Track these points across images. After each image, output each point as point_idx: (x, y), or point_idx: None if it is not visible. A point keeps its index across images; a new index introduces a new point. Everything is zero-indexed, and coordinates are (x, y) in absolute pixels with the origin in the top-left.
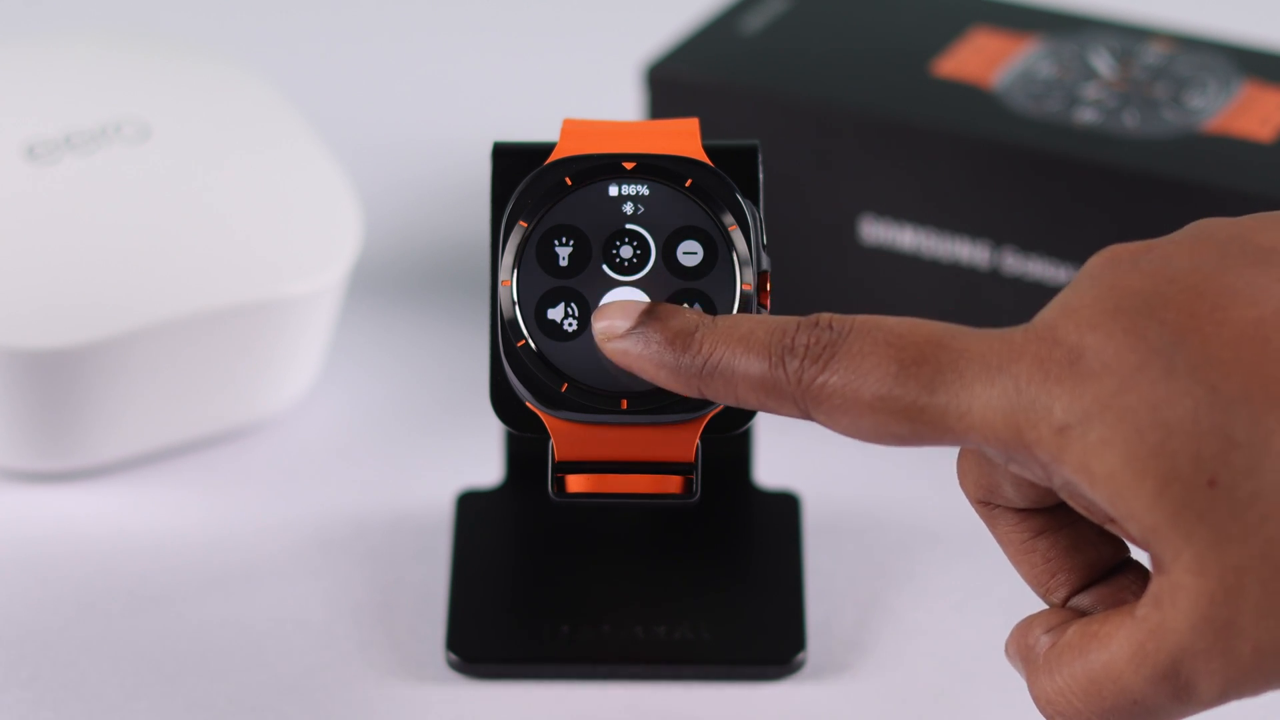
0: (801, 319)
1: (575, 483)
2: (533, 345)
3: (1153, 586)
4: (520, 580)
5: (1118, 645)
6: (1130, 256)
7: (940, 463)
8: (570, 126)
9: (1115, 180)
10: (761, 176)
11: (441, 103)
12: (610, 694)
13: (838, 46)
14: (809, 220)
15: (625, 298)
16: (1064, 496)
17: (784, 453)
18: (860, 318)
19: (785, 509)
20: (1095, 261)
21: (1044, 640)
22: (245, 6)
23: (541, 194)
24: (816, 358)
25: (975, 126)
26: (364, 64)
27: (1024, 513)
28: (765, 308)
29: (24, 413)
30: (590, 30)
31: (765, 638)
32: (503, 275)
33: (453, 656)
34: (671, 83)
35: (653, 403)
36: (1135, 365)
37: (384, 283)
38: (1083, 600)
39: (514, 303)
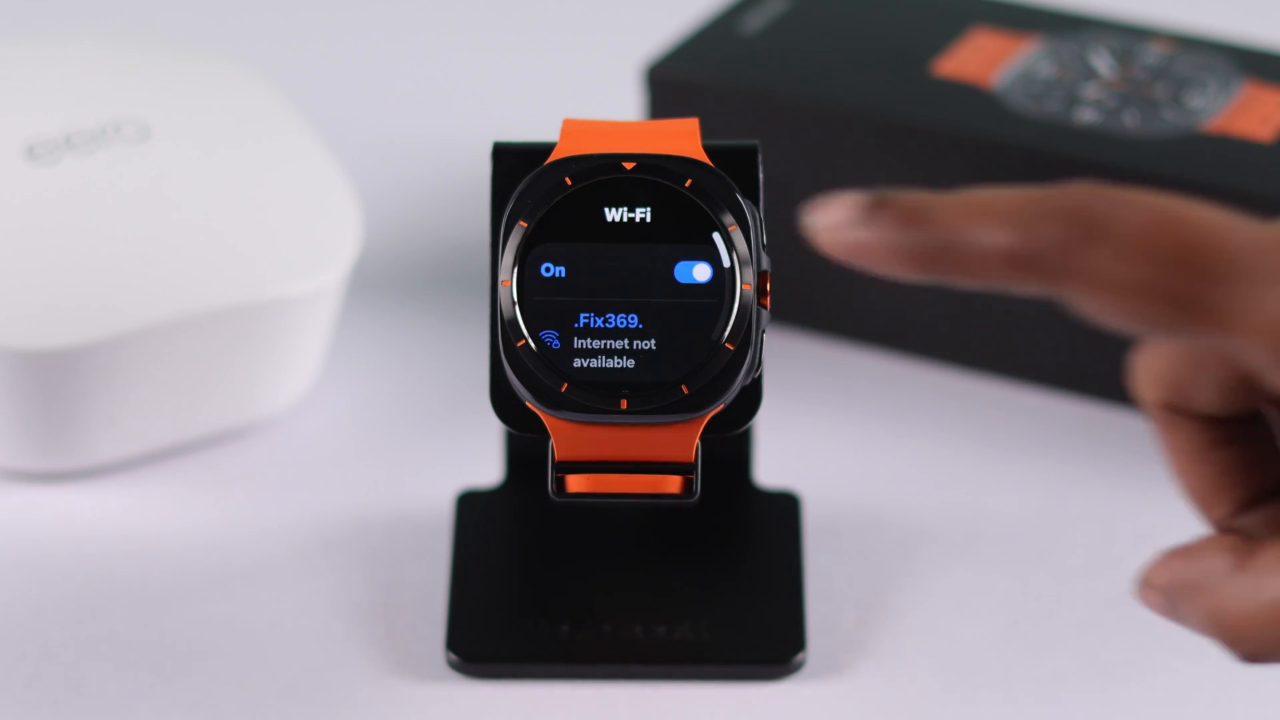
0: (1055, 185)
1: (575, 483)
2: (532, 345)
3: None
4: (520, 580)
5: None
6: None
7: (940, 463)
8: (570, 126)
9: (1115, 180)
10: (761, 176)
11: (441, 103)
12: (610, 694)
13: (838, 46)
14: None
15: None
16: None
17: (784, 453)
18: (1126, 193)
19: (785, 509)
20: None
21: (1222, 564)
22: (245, 6)
23: (541, 194)
24: (1085, 225)
25: (975, 126)
26: (364, 64)
27: (1208, 420)
28: (765, 308)
29: (24, 413)
30: (590, 30)
31: (765, 638)
32: (503, 275)
33: (453, 656)
34: (671, 83)
35: (653, 403)
36: None
37: (384, 283)
38: (1244, 520)
39: (514, 303)
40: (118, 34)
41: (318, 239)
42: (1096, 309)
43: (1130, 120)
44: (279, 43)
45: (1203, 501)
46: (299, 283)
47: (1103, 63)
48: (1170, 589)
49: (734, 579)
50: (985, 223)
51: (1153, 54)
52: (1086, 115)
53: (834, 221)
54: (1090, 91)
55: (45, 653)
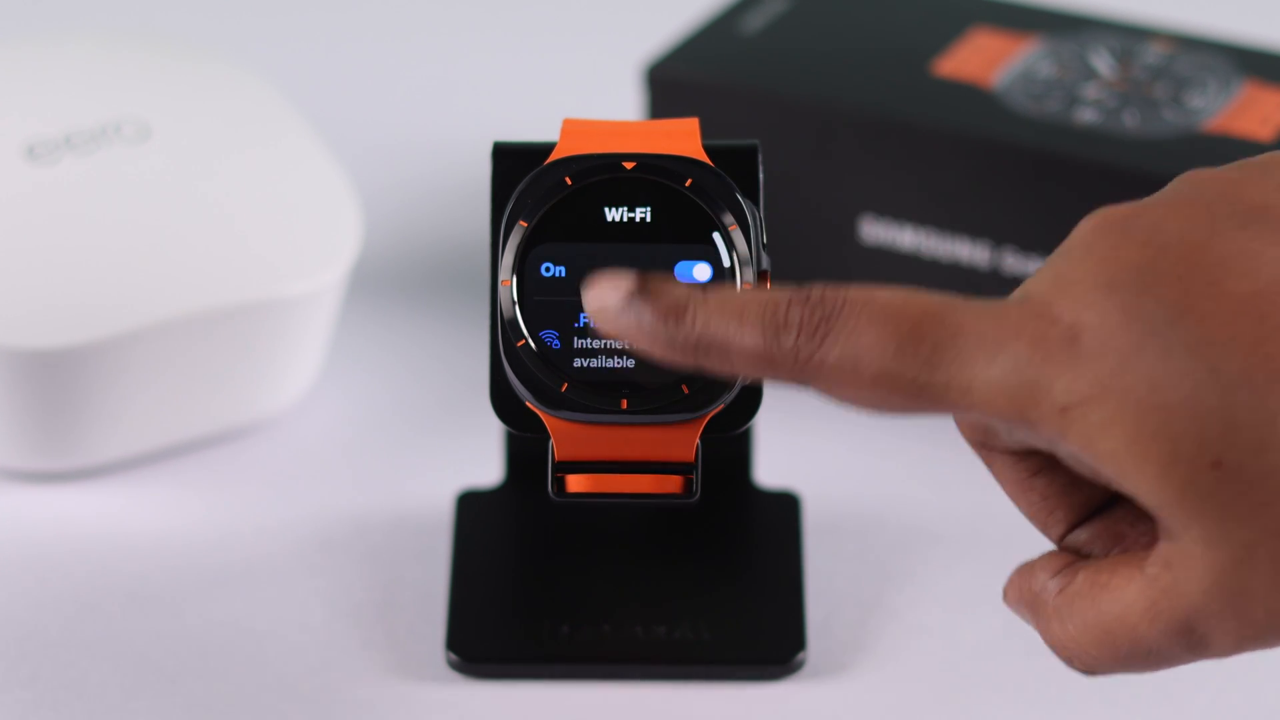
0: (793, 291)
1: (575, 483)
2: (532, 345)
3: (1162, 549)
4: (520, 580)
5: (1131, 598)
6: (1121, 222)
7: (941, 463)
8: (570, 126)
9: (1115, 180)
10: (761, 176)
11: (441, 103)
12: (610, 694)
13: (838, 46)
14: (809, 220)
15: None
16: (1070, 465)
17: (784, 453)
18: (853, 290)
19: (785, 509)
20: (1085, 227)
21: (1051, 585)
22: (245, 6)
23: (541, 194)
24: (813, 333)
25: (975, 126)
26: (364, 64)
27: (1020, 454)
28: None
29: (24, 413)
30: (590, 30)
31: (765, 638)
32: (503, 275)
33: (453, 656)
34: (671, 83)
35: (653, 403)
36: (1133, 345)
37: (384, 283)
38: (1080, 536)
39: (514, 303)
40: (118, 34)
41: (318, 239)
42: (843, 402)
43: (1130, 120)
44: (279, 43)
45: (1039, 524)
46: (299, 283)
47: (1103, 63)
48: (1016, 606)
49: (734, 579)
50: (736, 325)
51: (1153, 54)
52: (1086, 115)
53: (603, 302)
54: (1090, 91)
55: (45, 653)
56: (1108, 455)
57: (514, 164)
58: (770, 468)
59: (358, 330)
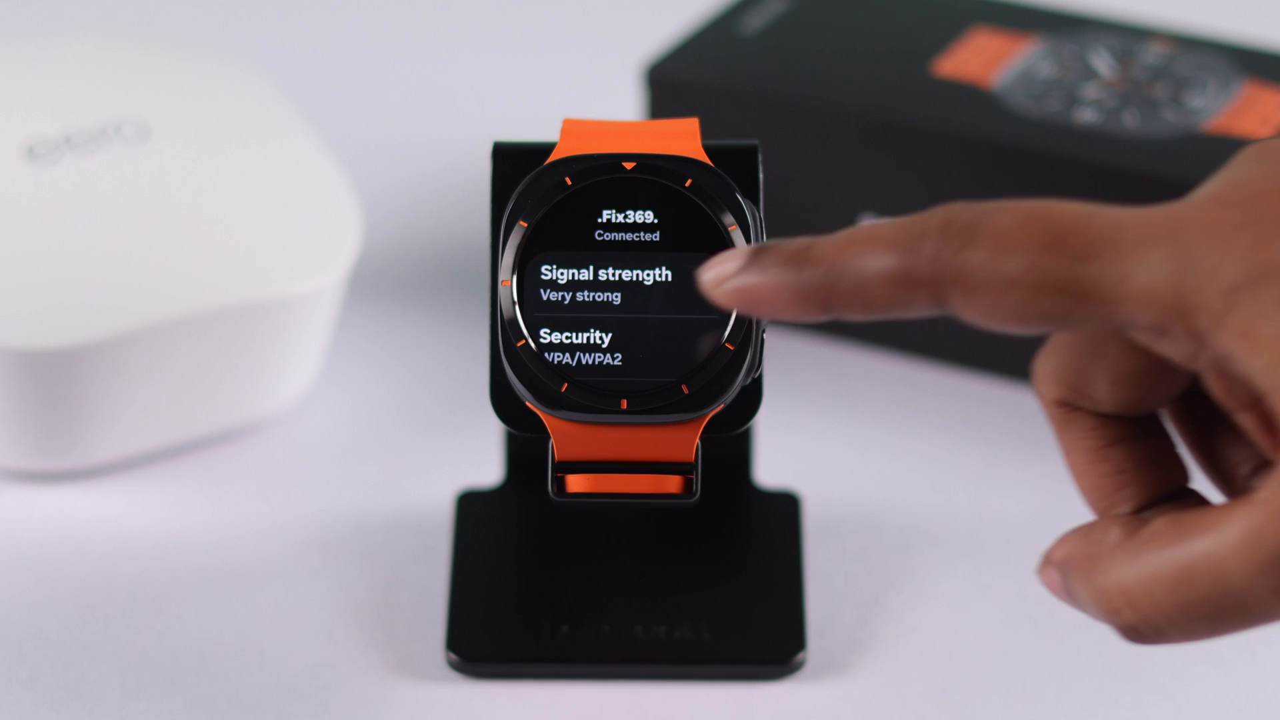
0: (930, 210)
1: (575, 483)
2: (532, 345)
3: None
4: (520, 580)
5: (1227, 531)
6: None
7: (941, 463)
8: (570, 126)
9: (1115, 180)
10: (761, 176)
11: (441, 103)
12: (610, 694)
13: (838, 46)
14: (809, 220)
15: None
16: (1207, 377)
17: (784, 453)
18: (992, 202)
19: (785, 509)
20: (1249, 151)
21: (1116, 532)
22: (245, 6)
23: (541, 194)
24: (956, 236)
25: (975, 126)
26: (364, 64)
27: (1104, 418)
28: None
29: (24, 413)
30: (590, 30)
31: (765, 638)
32: (503, 275)
33: (453, 656)
34: (671, 83)
35: (653, 403)
36: None
37: (384, 283)
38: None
39: (514, 303)
40: (118, 34)
41: (318, 239)
42: (983, 312)
43: (1130, 120)
44: (279, 43)
45: (1101, 502)
46: (299, 283)
47: (1103, 63)
48: (1064, 564)
49: (734, 579)
50: (868, 251)
51: (1153, 54)
52: (1086, 115)
53: (721, 272)
54: (1090, 91)
55: (45, 653)
56: (1272, 339)
57: (514, 164)
58: (770, 468)
59: (358, 330)
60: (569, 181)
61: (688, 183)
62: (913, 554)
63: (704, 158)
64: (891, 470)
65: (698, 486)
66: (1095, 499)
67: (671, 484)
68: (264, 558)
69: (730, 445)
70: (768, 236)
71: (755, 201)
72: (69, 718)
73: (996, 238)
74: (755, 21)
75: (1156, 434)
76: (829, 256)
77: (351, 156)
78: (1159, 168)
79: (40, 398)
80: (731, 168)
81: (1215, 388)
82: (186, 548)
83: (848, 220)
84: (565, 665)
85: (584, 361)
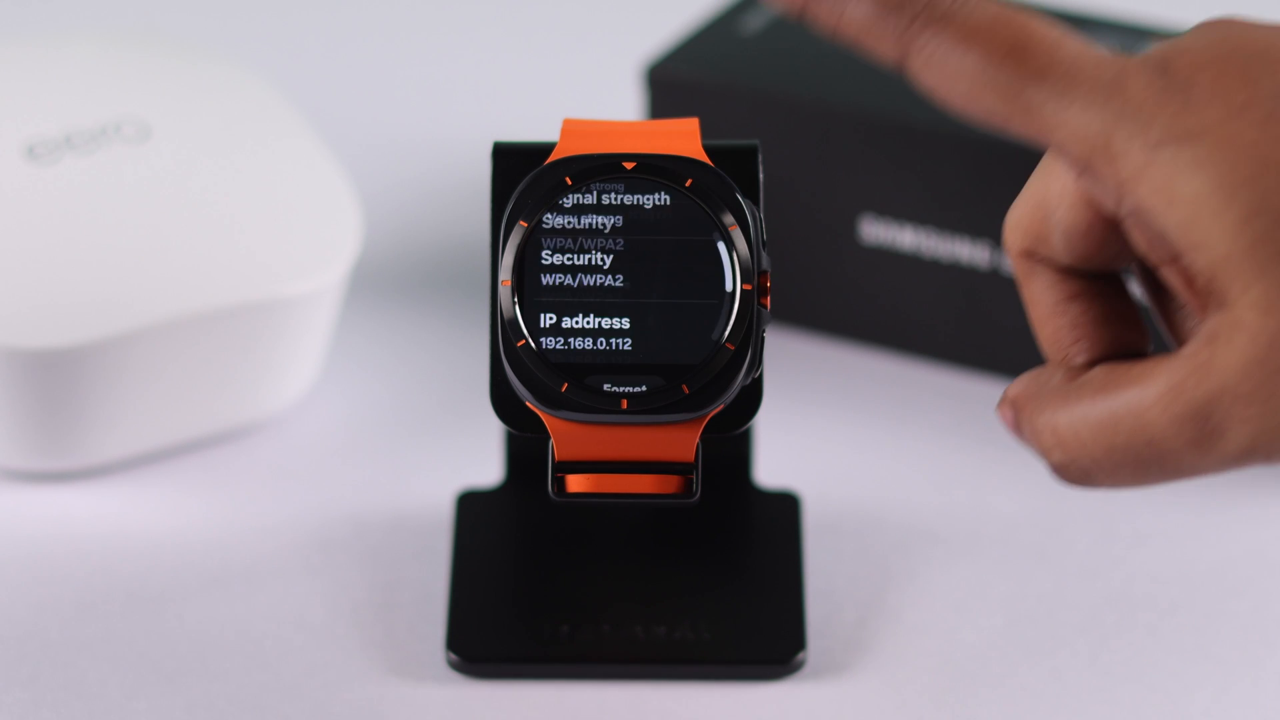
0: None
1: (575, 483)
2: (533, 345)
3: (1208, 324)
4: (520, 580)
5: (1151, 384)
6: (1243, 21)
7: (941, 463)
8: (570, 126)
9: None
10: (761, 176)
11: (441, 103)
12: (610, 694)
13: (838, 47)
14: (809, 220)
15: None
16: (1128, 228)
17: (784, 453)
18: None
19: (785, 509)
20: (1207, 22)
21: (1060, 374)
22: (245, 6)
23: (541, 194)
24: (931, 12)
25: (975, 127)
26: (364, 64)
27: (1064, 272)
28: (765, 308)
29: (24, 413)
30: (590, 30)
31: (765, 638)
32: (503, 275)
33: (453, 656)
34: (671, 83)
35: (653, 403)
36: (1243, 103)
37: (384, 283)
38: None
39: (514, 303)
40: (118, 34)
41: (318, 239)
42: (932, 86)
43: None
44: (279, 43)
45: (1057, 351)
46: (299, 283)
47: None
48: (1016, 401)
49: (734, 579)
50: None
51: None
52: None
53: None
54: None
55: (45, 653)
56: (1186, 198)
57: (514, 164)
58: (770, 468)
59: (358, 330)
60: (569, 181)
61: (688, 183)
62: (913, 554)
63: (704, 158)
64: (891, 470)
65: (698, 486)
66: (1052, 349)
67: (671, 484)
68: (264, 558)
69: (730, 445)
70: (767, 236)
71: (755, 201)
72: (69, 718)
73: (965, 29)
74: (755, 21)
75: (1116, 294)
76: None
77: (351, 156)
78: None
79: (40, 398)
80: (731, 168)
81: (1137, 240)
82: (186, 548)
83: (848, 220)
84: (565, 665)
85: (589, 345)
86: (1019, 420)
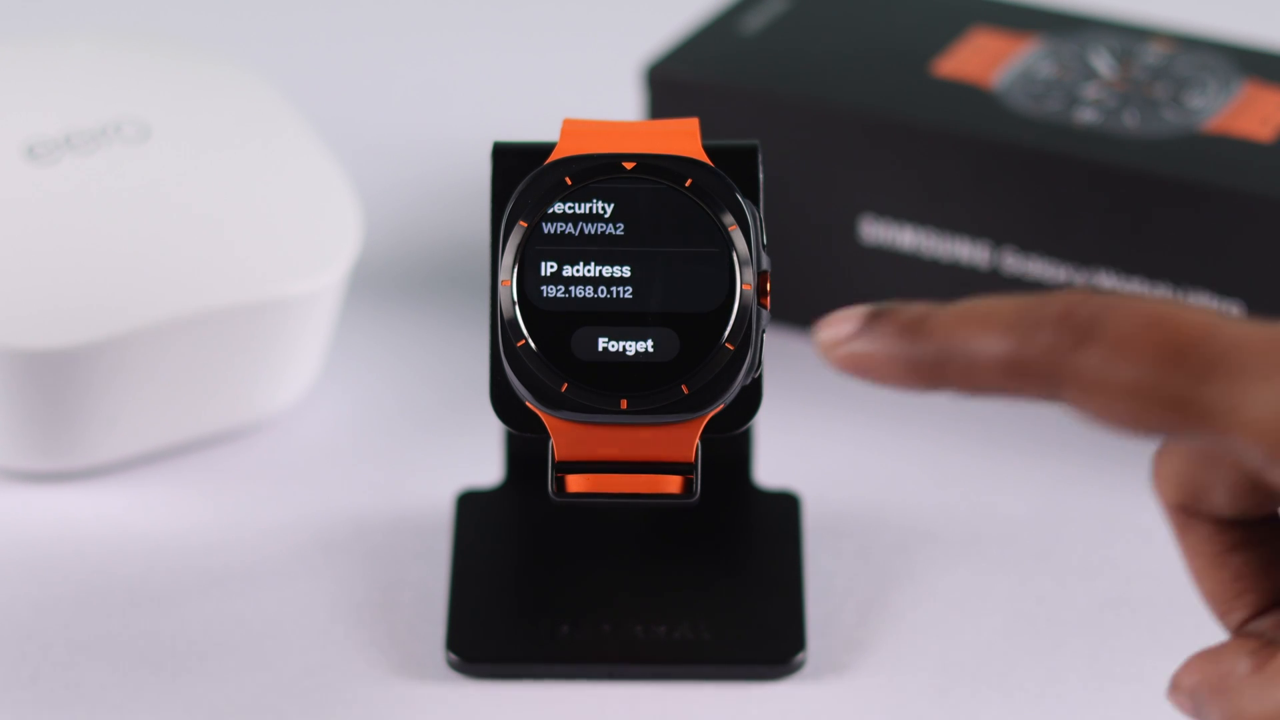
0: (1045, 295)
1: (575, 483)
2: (533, 345)
3: None
4: (520, 580)
5: None
6: None
7: (941, 463)
8: (570, 126)
9: (1115, 180)
10: (761, 176)
11: (441, 103)
12: (610, 694)
13: (838, 46)
14: (809, 220)
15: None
16: None
17: (784, 453)
18: (1115, 295)
19: (785, 509)
20: None
21: (1244, 664)
22: (245, 6)
23: (541, 194)
24: (1074, 331)
25: (975, 126)
26: (364, 64)
27: (1225, 523)
28: (765, 308)
29: (24, 413)
30: (590, 30)
31: (765, 638)
32: (503, 275)
33: (453, 656)
34: (671, 83)
35: (653, 403)
36: None
37: (384, 283)
38: (1263, 623)
39: (514, 303)
40: (118, 34)
41: (318, 239)
42: (1094, 413)
43: (1130, 120)
44: (279, 43)
45: (1220, 606)
46: (299, 283)
47: (1103, 63)
48: (1194, 691)
49: (734, 579)
50: (982, 332)
51: (1153, 54)
52: (1086, 115)
53: (837, 335)
54: (1090, 91)
55: (45, 653)
56: None
57: (514, 164)
58: (770, 468)
59: (358, 330)
60: (569, 181)
61: (688, 183)
62: (913, 554)
63: (704, 158)
64: (891, 470)
65: (698, 486)
66: (1214, 603)
67: (671, 484)
68: (264, 558)
69: (730, 445)
70: (767, 236)
71: (755, 201)
72: (69, 718)
73: (1116, 340)
74: (755, 21)
75: (1276, 537)
76: (943, 331)
77: (351, 156)
78: (1159, 168)
79: (40, 398)
80: (731, 168)
81: None
82: (186, 548)
83: (848, 220)
84: (565, 665)
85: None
86: (1201, 709)
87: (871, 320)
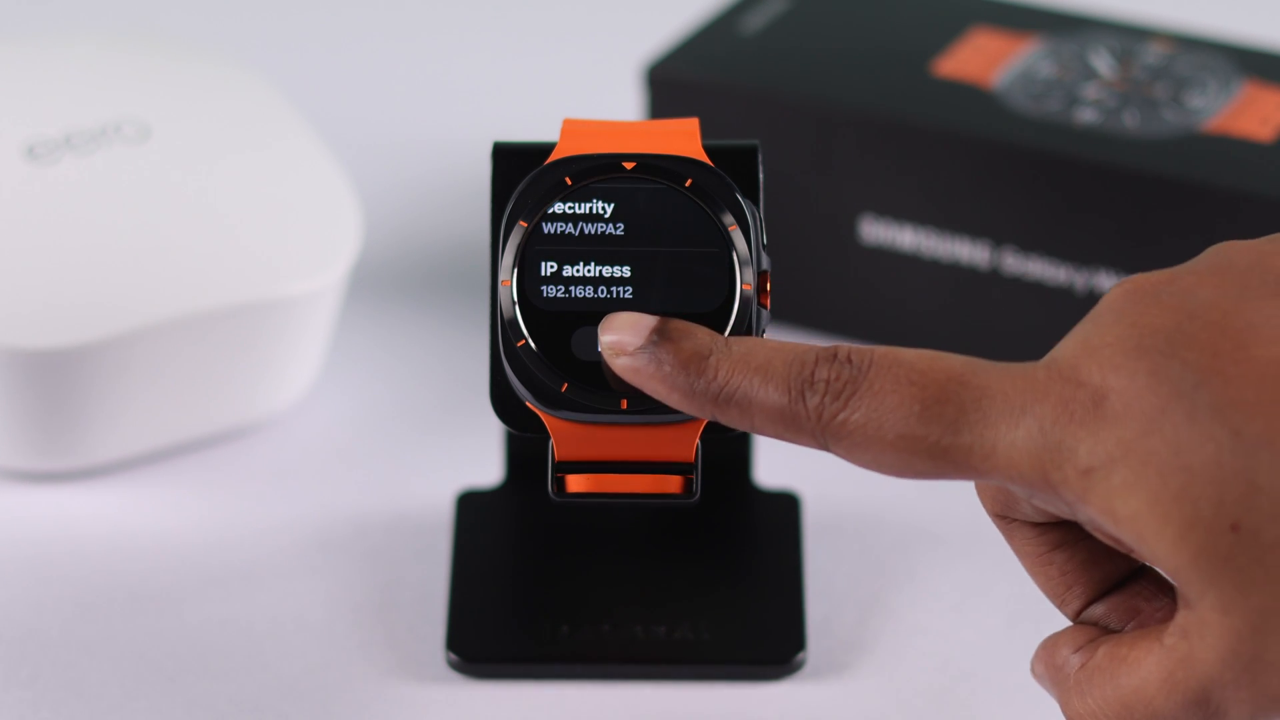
0: (820, 350)
1: (575, 483)
2: (533, 345)
3: (1180, 618)
4: (520, 580)
5: (1147, 670)
6: (1152, 289)
7: None
8: (570, 126)
9: (1115, 180)
10: (761, 176)
11: (441, 103)
12: (610, 694)
13: (838, 46)
14: (809, 220)
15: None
16: (1089, 530)
17: (784, 453)
18: (879, 351)
19: (785, 509)
20: (1116, 294)
21: (1073, 660)
22: (245, 6)
23: (541, 194)
24: (838, 394)
25: (975, 126)
26: (364, 64)
27: (1041, 526)
28: (765, 308)
29: (24, 413)
30: (590, 30)
31: (765, 638)
32: (503, 275)
33: (453, 656)
34: (671, 83)
35: (653, 403)
36: (1158, 408)
37: (384, 283)
38: (1096, 610)
39: (514, 303)
40: (118, 34)
41: (318, 239)
42: (862, 464)
43: (1130, 120)
44: (279, 43)
45: (1055, 598)
46: (299, 283)
47: (1103, 63)
48: (1041, 679)
49: (734, 579)
50: (758, 382)
51: (1153, 54)
52: (1086, 115)
53: (621, 343)
54: (1090, 91)
55: (45, 653)
56: (1128, 519)
57: (514, 164)
58: (770, 468)
59: (358, 330)
60: (569, 181)
61: (688, 183)
62: (913, 554)
63: (704, 158)
64: None
65: (698, 486)
66: (1050, 595)
67: (671, 484)
68: (264, 558)
69: (730, 445)
70: (767, 236)
71: (755, 201)
72: (69, 718)
73: (874, 401)
74: (755, 21)
75: (1089, 536)
76: (723, 374)
77: (351, 156)
78: (1159, 168)
79: (40, 398)
80: (731, 168)
81: (1099, 537)
82: (186, 548)
83: (848, 220)
84: (565, 665)
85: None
86: (1051, 689)
87: (654, 339)
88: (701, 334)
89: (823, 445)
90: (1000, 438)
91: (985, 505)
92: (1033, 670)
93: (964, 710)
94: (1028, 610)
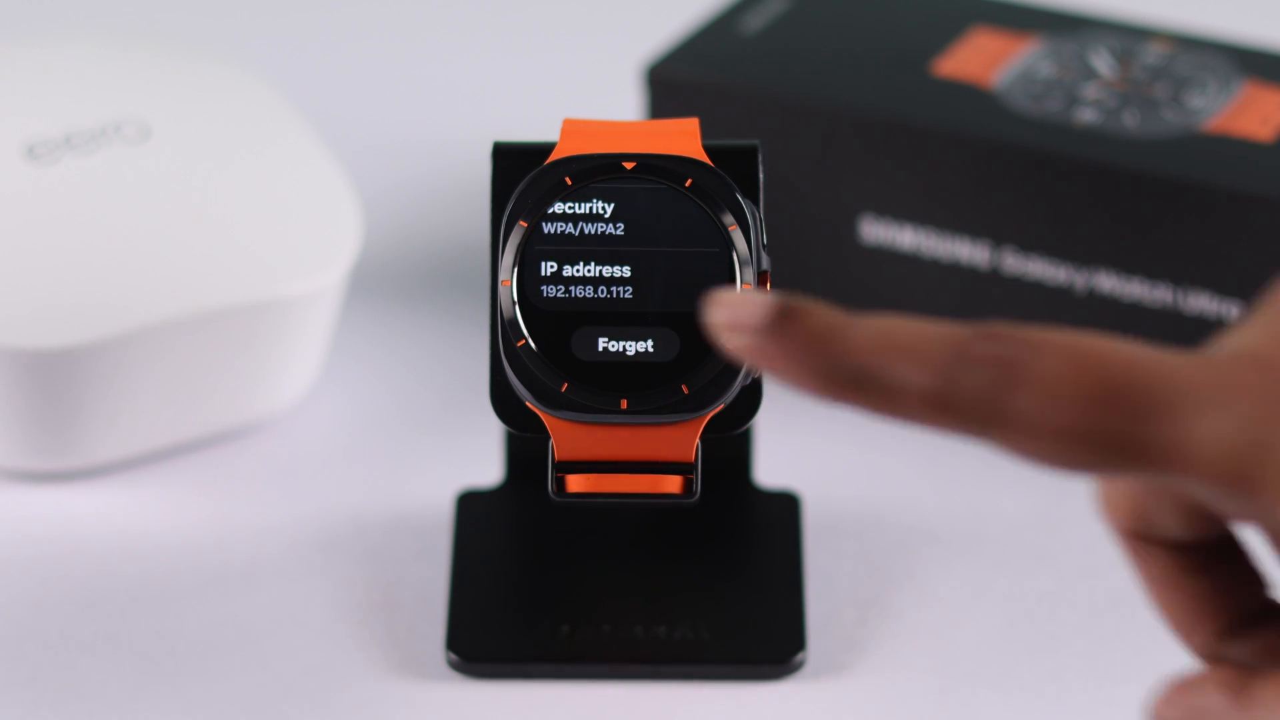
0: (974, 326)
1: (575, 483)
2: (533, 345)
3: None
4: (520, 580)
5: None
6: None
7: (941, 463)
8: (570, 126)
9: (1115, 180)
10: (761, 176)
11: (441, 103)
12: (610, 694)
13: (838, 46)
14: (809, 220)
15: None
16: (1268, 536)
17: (784, 453)
18: (1045, 332)
19: (785, 509)
20: (1273, 297)
21: (1223, 699)
22: (245, 6)
23: (541, 194)
24: (1001, 374)
25: (975, 126)
26: (364, 64)
27: (1179, 548)
28: None
29: (24, 413)
30: (590, 30)
31: (765, 638)
32: (503, 275)
33: (453, 656)
34: (671, 83)
35: (653, 402)
36: None
37: (384, 283)
38: (1233, 650)
39: (514, 303)
40: (118, 34)
41: (318, 239)
42: (1026, 455)
43: (1130, 120)
44: (279, 43)
45: (1183, 629)
46: (299, 283)
47: (1103, 63)
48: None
49: (734, 579)
50: (904, 360)
51: (1153, 54)
52: (1086, 115)
53: (736, 320)
54: (1090, 91)
55: (45, 653)
56: None
57: (514, 164)
58: (770, 468)
59: (358, 330)
60: (569, 181)
61: (688, 183)
62: (913, 554)
63: (704, 158)
64: (891, 470)
65: (698, 486)
66: (1176, 627)
67: (671, 484)
68: (264, 558)
69: (730, 445)
70: (767, 236)
71: (755, 201)
72: (69, 718)
73: (1048, 383)
74: (755, 21)
75: (1234, 558)
76: (863, 351)
77: (351, 156)
78: (1159, 168)
79: (40, 398)
80: (731, 168)
81: (1278, 547)
82: (186, 548)
83: (848, 220)
84: (565, 665)
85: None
86: None
87: (782, 317)
88: (827, 309)
89: (982, 433)
90: (1193, 431)
91: (1115, 522)
92: (1159, 715)
93: (964, 710)
94: (1028, 610)
